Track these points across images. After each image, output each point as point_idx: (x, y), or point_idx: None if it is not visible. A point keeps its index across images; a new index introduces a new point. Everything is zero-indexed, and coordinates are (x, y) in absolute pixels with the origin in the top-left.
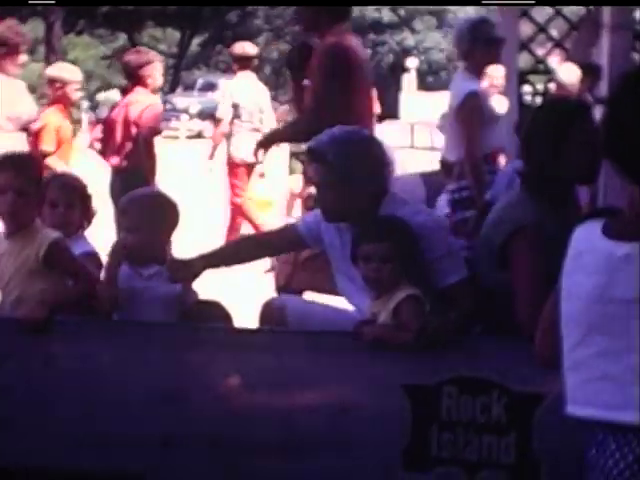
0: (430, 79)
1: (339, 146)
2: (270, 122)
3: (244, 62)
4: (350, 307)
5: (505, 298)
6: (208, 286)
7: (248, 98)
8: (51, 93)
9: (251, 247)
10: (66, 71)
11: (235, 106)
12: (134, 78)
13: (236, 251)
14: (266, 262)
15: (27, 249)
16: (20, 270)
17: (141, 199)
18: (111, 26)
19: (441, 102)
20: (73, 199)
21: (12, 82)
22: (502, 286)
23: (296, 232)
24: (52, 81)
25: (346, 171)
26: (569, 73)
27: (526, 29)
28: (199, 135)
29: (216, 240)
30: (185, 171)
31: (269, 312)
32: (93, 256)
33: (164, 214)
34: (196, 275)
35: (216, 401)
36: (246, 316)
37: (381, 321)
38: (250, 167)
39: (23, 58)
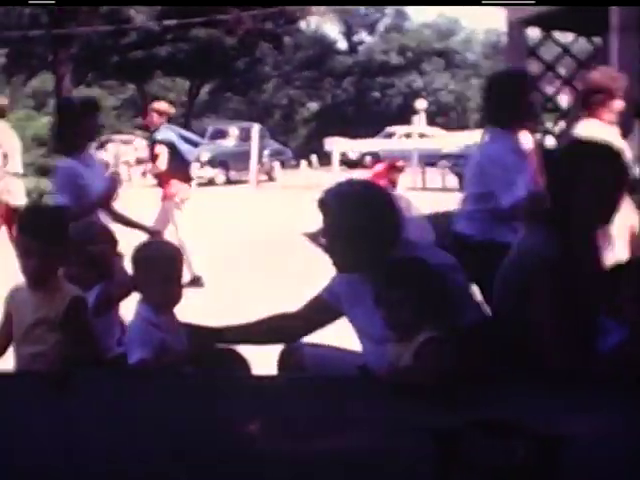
0: (439, 120)
1: (345, 198)
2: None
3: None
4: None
5: (526, 337)
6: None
7: (7, 146)
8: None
9: (284, 321)
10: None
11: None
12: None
13: (269, 326)
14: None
15: (48, 303)
16: (40, 323)
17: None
18: (120, 77)
19: (451, 142)
20: (86, 258)
21: (607, 129)
22: (523, 325)
23: (321, 300)
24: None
25: (353, 224)
26: None
27: (534, 68)
28: (210, 182)
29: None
30: (197, 218)
31: (287, 358)
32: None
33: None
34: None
35: (235, 449)
36: (264, 363)
37: (403, 364)
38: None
39: (619, 104)
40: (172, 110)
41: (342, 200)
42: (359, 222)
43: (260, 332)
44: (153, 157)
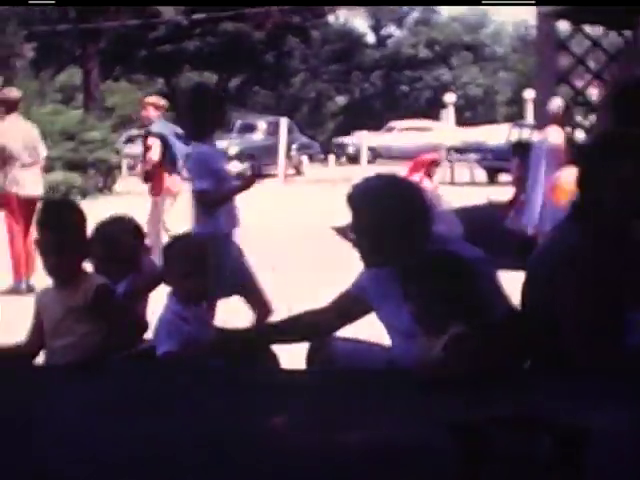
0: (468, 114)
1: (373, 193)
2: (43, 153)
3: (10, 105)
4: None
5: (554, 331)
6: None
7: (16, 138)
8: None
9: (314, 318)
10: None
11: (3, 147)
12: None
13: (300, 323)
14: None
15: (74, 296)
16: (69, 315)
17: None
18: (148, 71)
19: (480, 136)
20: (113, 252)
21: None
22: (551, 319)
23: (349, 295)
24: None
25: (382, 219)
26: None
27: (564, 61)
28: (238, 176)
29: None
30: None
31: (316, 353)
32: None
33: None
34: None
35: (263, 442)
36: (294, 357)
37: (431, 357)
38: (26, 200)
39: None
40: (167, 104)
41: (370, 195)
42: (387, 216)
43: (293, 330)
44: (146, 149)
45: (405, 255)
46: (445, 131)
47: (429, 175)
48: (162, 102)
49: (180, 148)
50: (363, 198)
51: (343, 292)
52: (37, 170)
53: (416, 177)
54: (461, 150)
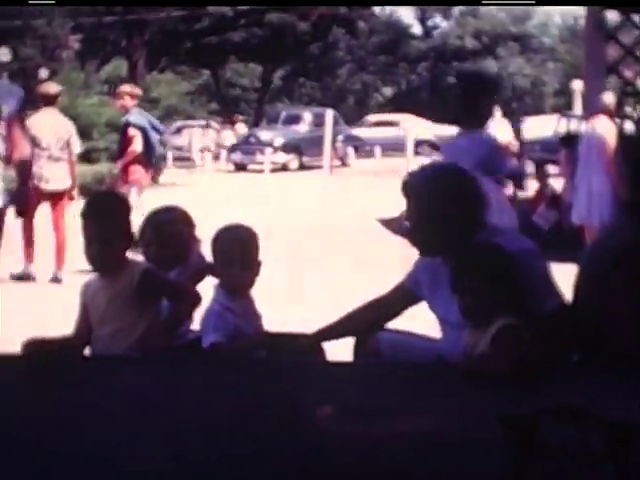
0: (514, 105)
1: (431, 183)
2: (76, 148)
3: (48, 100)
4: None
5: (603, 326)
6: (303, 322)
7: (47, 131)
8: None
9: (366, 312)
10: None
11: (34, 138)
12: None
13: (352, 320)
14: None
15: (120, 281)
16: (114, 302)
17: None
18: (194, 62)
19: (527, 127)
20: (165, 239)
21: None
22: (600, 314)
23: (404, 287)
24: None
25: (438, 207)
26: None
27: (613, 52)
28: (284, 168)
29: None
30: (271, 203)
31: (363, 344)
32: None
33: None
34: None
35: (309, 433)
36: (341, 349)
37: (479, 350)
38: (50, 194)
39: None
40: (141, 92)
41: (427, 183)
42: (443, 205)
43: (347, 330)
44: (127, 139)
45: (458, 245)
46: (411, 125)
47: None
48: (137, 91)
49: (156, 140)
50: (420, 185)
51: (397, 285)
52: (65, 165)
53: None
54: (435, 146)
